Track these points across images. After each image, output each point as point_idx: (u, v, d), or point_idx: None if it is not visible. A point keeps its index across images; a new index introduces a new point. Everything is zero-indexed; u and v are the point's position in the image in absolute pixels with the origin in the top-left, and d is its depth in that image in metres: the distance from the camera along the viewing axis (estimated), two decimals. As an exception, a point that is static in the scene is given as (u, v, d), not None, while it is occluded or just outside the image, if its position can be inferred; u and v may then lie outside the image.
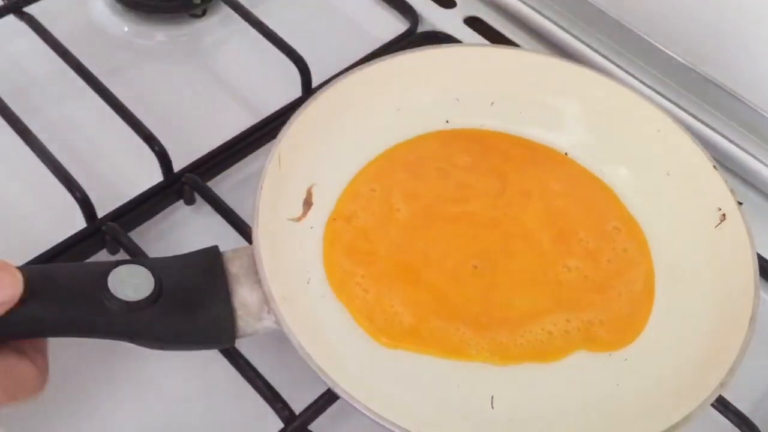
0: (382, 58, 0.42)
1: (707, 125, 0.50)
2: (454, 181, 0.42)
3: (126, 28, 0.51)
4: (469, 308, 0.38)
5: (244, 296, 0.34)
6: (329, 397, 0.36)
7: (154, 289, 0.32)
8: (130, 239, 0.39)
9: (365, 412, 0.31)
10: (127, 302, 0.32)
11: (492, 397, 0.36)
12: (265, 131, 0.45)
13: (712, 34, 0.49)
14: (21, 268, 0.31)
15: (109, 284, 0.32)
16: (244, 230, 0.40)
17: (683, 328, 0.38)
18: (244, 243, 0.40)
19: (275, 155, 0.37)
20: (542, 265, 0.40)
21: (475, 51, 0.46)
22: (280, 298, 0.33)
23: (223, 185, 0.44)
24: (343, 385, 0.32)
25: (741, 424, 0.37)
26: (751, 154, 0.49)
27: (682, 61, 0.50)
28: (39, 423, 0.36)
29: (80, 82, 0.44)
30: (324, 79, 0.46)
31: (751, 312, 0.36)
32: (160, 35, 0.51)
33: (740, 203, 0.40)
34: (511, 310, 0.38)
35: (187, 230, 0.42)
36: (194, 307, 0.33)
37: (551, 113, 0.44)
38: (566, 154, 0.44)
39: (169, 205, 0.43)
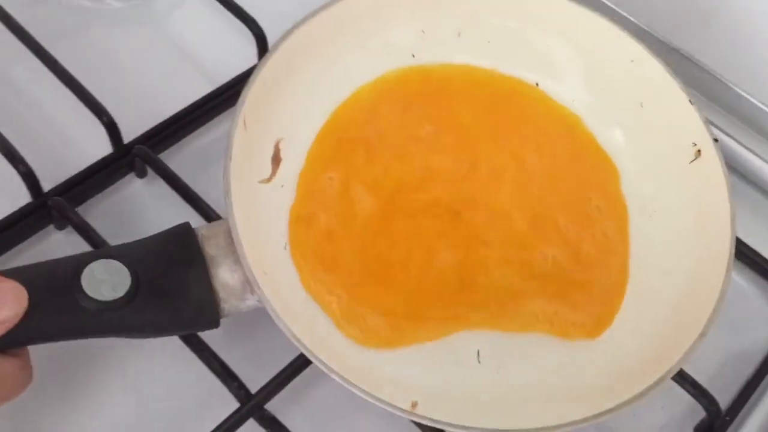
0: None
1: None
2: (417, 163, 0.40)
3: (74, -9, 0.49)
4: (444, 307, 0.37)
5: (224, 278, 0.32)
6: (286, 377, 0.35)
7: (131, 284, 0.31)
8: (77, 214, 0.38)
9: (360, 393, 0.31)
10: (104, 302, 0.30)
11: (478, 351, 0.36)
12: (219, 100, 0.44)
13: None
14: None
15: (84, 285, 0.30)
16: (198, 204, 0.39)
17: (657, 296, 0.38)
18: (198, 218, 0.39)
19: (240, 117, 0.35)
20: (519, 255, 0.38)
21: None
22: (261, 274, 0.32)
23: (177, 157, 0.42)
24: (332, 365, 0.31)
25: (699, 395, 0.37)
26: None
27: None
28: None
29: (23, 49, 0.42)
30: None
31: (727, 261, 0.36)
32: (109, -2, 0.49)
33: (716, 140, 0.39)
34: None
35: (139, 204, 0.41)
36: (174, 297, 0.31)
37: (520, 43, 0.43)
38: (537, 84, 0.43)
39: (120, 178, 0.41)
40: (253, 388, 0.34)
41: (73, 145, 0.42)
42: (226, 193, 0.33)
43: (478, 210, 0.39)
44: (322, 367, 0.31)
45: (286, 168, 0.38)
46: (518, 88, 0.43)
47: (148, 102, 0.44)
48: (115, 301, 0.30)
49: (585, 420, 0.32)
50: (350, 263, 0.37)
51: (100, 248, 0.34)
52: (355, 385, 0.31)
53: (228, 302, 0.32)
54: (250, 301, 0.33)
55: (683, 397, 0.38)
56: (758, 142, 0.49)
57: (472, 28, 0.42)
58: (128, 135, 0.41)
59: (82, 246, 0.37)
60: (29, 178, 0.38)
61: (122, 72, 0.46)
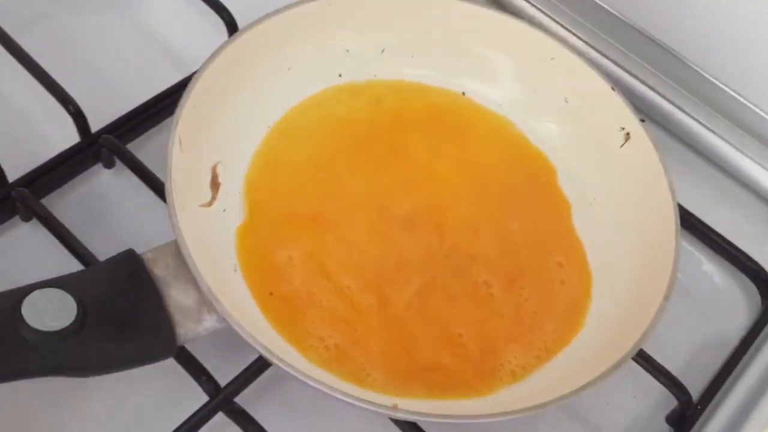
0: (260, 19, 0.39)
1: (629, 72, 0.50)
2: (391, 256, 0.38)
3: (41, -24, 0.48)
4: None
5: (178, 299, 0.31)
6: (256, 369, 0.35)
7: (78, 312, 0.29)
8: (42, 206, 0.37)
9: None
10: (50, 333, 0.28)
11: None
12: (190, 89, 0.43)
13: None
14: None
15: (25, 316, 0.28)
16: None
17: (611, 285, 0.38)
18: (165, 207, 0.38)
19: (175, 138, 0.34)
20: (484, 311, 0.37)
21: None
22: (220, 293, 0.31)
23: (145, 147, 0.42)
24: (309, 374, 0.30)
25: (670, 385, 0.38)
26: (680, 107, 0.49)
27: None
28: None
29: (-13, 36, 0.41)
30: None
31: (674, 245, 0.36)
32: (78, -17, 0.48)
33: (642, 120, 0.41)
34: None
35: (106, 195, 0.40)
36: (126, 324, 0.30)
37: (444, 54, 0.43)
38: (463, 93, 0.43)
39: (87, 168, 0.40)
40: (223, 381, 0.34)
41: (39, 134, 0.41)
42: (171, 212, 0.32)
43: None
44: (299, 376, 0.30)
45: (227, 193, 0.37)
46: (446, 98, 0.43)
47: (116, 91, 0.43)
48: (61, 331, 0.28)
49: (561, 398, 0.32)
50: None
51: (38, 281, 0.31)
52: (340, 391, 0.30)
53: (184, 326, 0.31)
54: (208, 323, 0.32)
55: (655, 387, 0.38)
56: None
57: (394, 45, 0.43)
58: (96, 124, 0.40)
59: (47, 239, 0.37)
60: (-7, 169, 0.37)
61: (90, 60, 0.45)
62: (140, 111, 0.41)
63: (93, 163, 0.40)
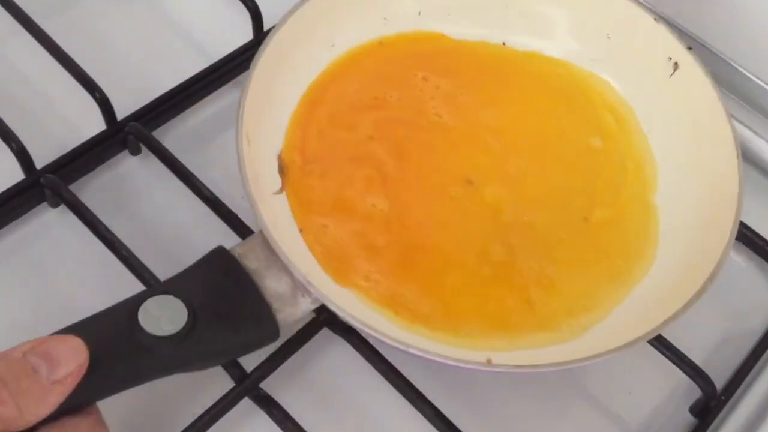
0: (296, 5, 0.39)
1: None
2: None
3: (66, -35, 0.48)
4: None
5: (273, 288, 0.32)
6: (281, 355, 0.35)
7: (189, 315, 0.30)
8: (70, 192, 0.37)
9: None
10: (167, 337, 0.30)
11: None
12: (214, 76, 0.43)
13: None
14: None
15: (142, 324, 0.29)
16: (192, 182, 0.38)
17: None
18: (191, 195, 0.38)
19: (242, 136, 0.34)
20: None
21: None
22: (312, 277, 0.32)
23: (171, 134, 0.42)
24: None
25: (695, 375, 0.37)
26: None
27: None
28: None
29: (15, 24, 0.41)
30: (277, 21, 0.45)
31: (736, 159, 0.37)
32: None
33: (690, 48, 0.40)
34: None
35: (132, 182, 0.41)
36: (231, 319, 0.31)
37: (476, 7, 0.43)
38: (504, 43, 0.44)
39: (113, 155, 0.41)
40: (249, 367, 0.34)
41: (66, 122, 0.41)
42: (254, 207, 0.33)
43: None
44: (400, 347, 0.31)
45: (293, 175, 0.38)
46: (491, 54, 0.44)
47: (141, 78, 0.44)
48: (177, 334, 0.30)
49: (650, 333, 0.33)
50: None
51: (148, 288, 0.33)
52: (438, 354, 0.31)
53: (283, 311, 0.32)
54: (304, 305, 0.33)
55: (678, 377, 0.38)
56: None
57: (430, 6, 0.43)
58: (122, 112, 0.40)
59: (75, 224, 0.37)
60: (22, 155, 0.37)
61: (116, 48, 0.45)
62: (166, 99, 0.42)
63: (119, 150, 0.41)
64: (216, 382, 0.34)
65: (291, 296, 0.33)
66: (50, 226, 0.39)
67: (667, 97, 0.41)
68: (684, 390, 0.39)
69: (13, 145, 0.37)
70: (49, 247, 0.38)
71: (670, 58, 0.41)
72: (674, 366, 0.37)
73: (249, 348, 0.33)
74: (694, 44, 0.47)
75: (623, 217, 0.39)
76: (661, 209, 0.40)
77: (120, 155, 0.41)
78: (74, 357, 0.27)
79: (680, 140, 0.40)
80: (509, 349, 0.35)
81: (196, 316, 0.30)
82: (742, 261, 0.44)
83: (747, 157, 0.47)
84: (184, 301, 0.31)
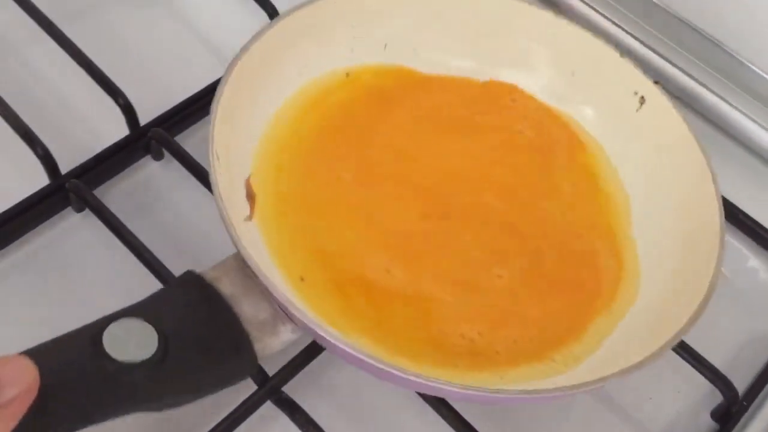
0: (273, 22, 0.38)
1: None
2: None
3: (89, -28, 0.49)
4: None
5: (252, 315, 0.30)
6: (303, 359, 0.35)
7: (159, 339, 0.27)
8: (95, 197, 0.38)
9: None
10: (135, 364, 0.27)
11: None
12: (235, 82, 0.44)
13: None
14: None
15: (108, 349, 0.27)
16: (214, 187, 0.39)
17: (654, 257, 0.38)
18: (214, 200, 0.39)
19: (212, 156, 0.33)
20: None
21: None
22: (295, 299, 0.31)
23: (193, 139, 0.42)
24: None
25: (715, 380, 0.37)
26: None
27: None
28: None
29: (39, 30, 0.42)
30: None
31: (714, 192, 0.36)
32: (125, -22, 0.49)
33: (657, 82, 0.40)
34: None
35: (155, 187, 0.41)
36: (207, 346, 0.29)
37: (443, 37, 0.42)
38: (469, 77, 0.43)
39: (136, 160, 0.41)
40: (271, 370, 0.34)
41: (89, 127, 0.42)
42: (229, 228, 0.30)
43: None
44: (401, 374, 0.30)
45: (262, 203, 0.36)
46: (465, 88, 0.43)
47: (163, 84, 0.44)
48: (147, 361, 0.27)
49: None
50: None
51: (114, 312, 0.30)
52: (439, 381, 0.30)
53: (261, 341, 0.30)
54: (284, 335, 0.31)
55: (700, 382, 0.38)
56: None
57: (396, 39, 0.42)
58: (144, 117, 0.41)
59: (99, 229, 0.38)
60: (47, 160, 0.38)
61: (138, 54, 0.45)
62: (187, 104, 0.42)
63: (142, 155, 0.41)
64: (238, 386, 0.34)
65: (271, 324, 0.31)
66: (74, 231, 0.39)
67: (635, 132, 0.41)
68: (705, 395, 0.39)
69: (39, 150, 0.38)
70: (73, 251, 0.39)
71: (636, 93, 0.40)
72: (695, 371, 0.37)
73: (224, 381, 0.30)
74: (688, 30, 0.47)
75: (600, 250, 0.39)
76: (639, 240, 0.39)
77: (143, 160, 0.41)
78: (21, 378, 0.24)
79: (651, 172, 0.40)
80: (503, 383, 0.34)
81: (167, 342, 0.28)
82: (762, 266, 0.44)
83: (755, 150, 0.47)
84: (154, 325, 0.28)
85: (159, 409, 0.29)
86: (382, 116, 0.41)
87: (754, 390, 0.38)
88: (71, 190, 0.38)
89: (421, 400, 0.35)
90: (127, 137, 0.40)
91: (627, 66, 0.41)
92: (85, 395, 0.27)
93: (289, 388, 0.35)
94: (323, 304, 0.34)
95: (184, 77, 0.44)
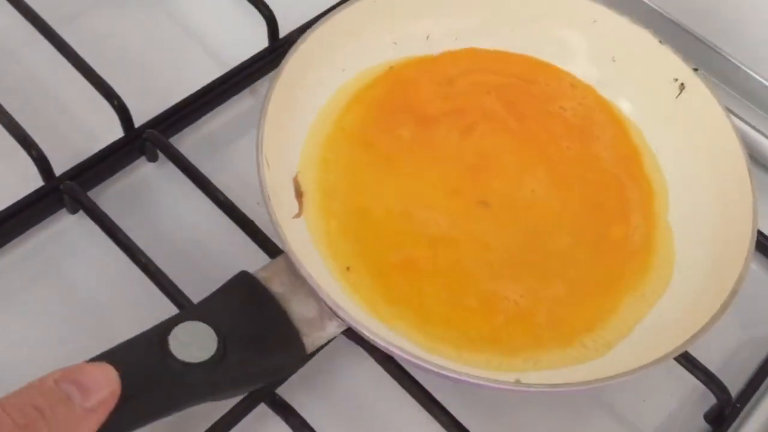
0: (313, 28, 0.39)
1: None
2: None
3: (84, -27, 0.49)
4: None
5: (300, 313, 0.32)
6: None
7: (219, 341, 0.30)
8: (89, 198, 0.38)
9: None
10: (198, 364, 0.29)
11: None
12: (230, 84, 0.44)
13: None
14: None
15: (173, 351, 0.29)
16: (208, 189, 0.39)
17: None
18: (208, 202, 0.39)
19: (262, 159, 0.34)
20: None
21: None
22: (340, 300, 0.32)
23: (187, 141, 0.42)
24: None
25: (709, 382, 0.37)
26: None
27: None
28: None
29: (34, 32, 0.41)
30: (292, 28, 0.45)
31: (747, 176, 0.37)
32: (120, -20, 0.49)
33: (696, 69, 0.41)
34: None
35: (150, 188, 0.41)
36: (260, 344, 0.31)
37: (485, 30, 0.43)
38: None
39: (131, 162, 0.41)
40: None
41: (84, 129, 0.42)
42: (279, 231, 0.32)
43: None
44: (432, 368, 0.31)
45: (309, 199, 0.38)
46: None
47: (158, 85, 0.44)
48: (208, 361, 0.30)
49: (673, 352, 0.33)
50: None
51: (176, 314, 0.32)
52: (469, 375, 0.32)
53: (310, 336, 0.32)
54: (330, 329, 0.33)
55: (693, 384, 0.38)
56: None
57: (438, 30, 0.43)
58: (139, 119, 0.41)
59: (93, 230, 0.38)
60: (41, 162, 0.38)
61: (132, 55, 0.45)
62: (182, 106, 0.42)
63: (137, 157, 0.41)
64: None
65: (318, 320, 0.33)
66: (69, 232, 0.39)
67: (675, 118, 0.41)
68: (698, 397, 0.39)
69: (33, 152, 0.38)
70: (67, 252, 0.39)
71: (676, 79, 0.41)
72: (687, 373, 0.37)
73: (277, 374, 0.33)
74: (707, 51, 0.48)
75: (638, 236, 0.39)
76: (675, 227, 0.40)
77: (137, 162, 0.41)
78: (106, 384, 0.27)
79: (689, 159, 0.41)
80: (536, 368, 0.35)
81: (226, 342, 0.30)
82: (757, 268, 0.44)
83: (764, 165, 0.47)
84: (213, 327, 0.30)
85: (217, 399, 0.31)
86: (427, 105, 0.42)
87: (747, 392, 0.38)
88: (65, 191, 0.38)
89: (418, 405, 0.35)
90: (121, 139, 0.40)
91: (666, 52, 0.41)
92: (155, 394, 0.29)
93: (284, 391, 0.35)
94: (367, 292, 0.36)
95: (179, 79, 0.44)
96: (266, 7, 0.44)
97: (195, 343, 0.30)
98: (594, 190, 0.41)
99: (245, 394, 0.34)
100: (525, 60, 0.44)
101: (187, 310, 0.33)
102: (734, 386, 0.38)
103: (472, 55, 0.44)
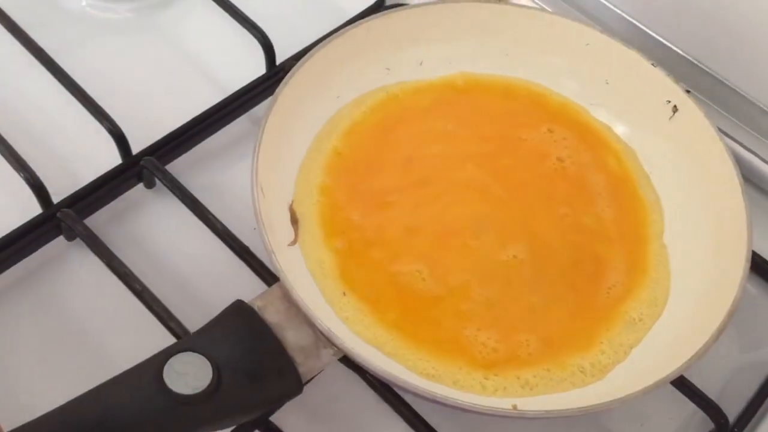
0: (309, 55, 0.40)
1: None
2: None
3: (83, 1, 0.49)
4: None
5: (295, 341, 0.32)
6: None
7: (213, 371, 0.30)
8: (86, 226, 0.38)
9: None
10: (193, 395, 0.30)
11: None
12: (228, 110, 0.44)
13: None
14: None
15: (168, 383, 0.30)
16: (205, 216, 0.39)
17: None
18: (205, 229, 0.39)
19: (256, 186, 0.35)
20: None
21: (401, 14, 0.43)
22: (335, 328, 0.33)
23: (186, 167, 0.42)
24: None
25: (706, 407, 0.37)
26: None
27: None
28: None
29: (32, 60, 0.42)
30: (289, 55, 0.45)
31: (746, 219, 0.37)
32: (119, 8, 0.49)
33: (688, 91, 0.41)
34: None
35: (147, 215, 0.41)
36: (255, 374, 0.31)
37: (481, 54, 0.44)
38: None
39: (129, 189, 0.41)
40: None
41: (82, 156, 0.42)
42: (273, 259, 0.33)
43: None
44: (429, 396, 0.32)
45: (304, 227, 0.38)
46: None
47: (156, 112, 0.44)
48: (203, 392, 0.30)
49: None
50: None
51: (171, 345, 0.32)
52: (465, 403, 0.32)
53: (305, 365, 0.32)
54: (326, 357, 0.33)
55: (692, 408, 0.38)
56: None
57: (431, 57, 0.44)
58: (137, 146, 0.41)
59: (90, 258, 0.38)
60: (39, 189, 0.38)
61: (131, 82, 0.46)
62: (180, 132, 0.42)
63: (134, 184, 0.41)
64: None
65: (314, 348, 0.33)
66: (66, 259, 0.39)
67: (669, 139, 0.42)
68: (698, 421, 0.39)
69: (31, 179, 0.38)
70: (64, 279, 0.39)
71: (669, 101, 0.41)
72: (685, 397, 0.37)
73: (273, 403, 0.33)
74: (700, 72, 0.48)
75: (633, 256, 0.40)
76: (670, 249, 0.40)
77: (135, 189, 0.41)
78: None
79: (683, 180, 0.41)
80: (533, 394, 0.35)
81: (220, 372, 0.30)
82: (754, 290, 0.44)
83: (758, 185, 0.47)
84: (208, 357, 0.31)
85: (212, 430, 0.31)
86: (422, 131, 0.42)
87: (744, 418, 0.38)
88: (63, 219, 0.38)
89: (411, 429, 0.35)
90: (119, 166, 0.41)
91: (659, 75, 0.42)
92: (150, 426, 0.29)
93: (277, 417, 0.35)
94: (363, 317, 0.36)
95: (177, 105, 0.44)
96: (263, 34, 0.45)
97: (190, 374, 0.30)
98: (576, 251, 0.40)
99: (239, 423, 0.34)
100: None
101: (182, 341, 0.33)
102: (733, 410, 0.38)
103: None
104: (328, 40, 0.40)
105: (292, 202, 0.38)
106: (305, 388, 0.34)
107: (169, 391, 0.29)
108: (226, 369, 0.31)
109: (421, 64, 0.44)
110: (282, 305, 0.33)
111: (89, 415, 0.29)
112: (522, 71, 0.44)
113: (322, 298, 0.36)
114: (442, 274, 0.38)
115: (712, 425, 0.38)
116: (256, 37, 0.45)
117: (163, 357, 0.31)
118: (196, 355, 0.31)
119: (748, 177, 0.46)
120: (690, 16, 0.47)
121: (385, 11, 0.43)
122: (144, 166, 0.41)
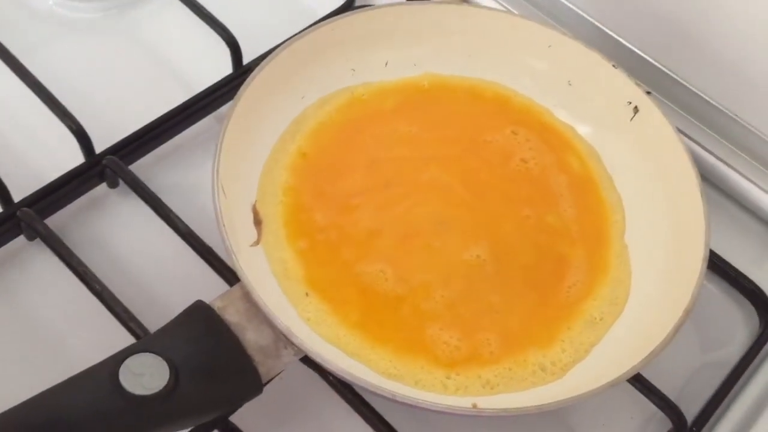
0: (272, 55, 0.40)
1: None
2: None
3: (50, 0, 0.49)
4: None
5: (255, 341, 0.32)
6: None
7: (170, 372, 0.30)
8: (45, 226, 0.38)
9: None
10: (149, 396, 0.29)
11: None
12: (194, 110, 0.44)
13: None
14: None
15: (124, 384, 0.29)
16: (168, 216, 0.39)
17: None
18: (168, 229, 0.39)
19: (218, 187, 0.35)
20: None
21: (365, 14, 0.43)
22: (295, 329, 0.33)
23: (149, 167, 0.42)
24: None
25: (665, 407, 0.38)
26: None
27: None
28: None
29: (-5, 58, 0.42)
30: (257, 55, 0.45)
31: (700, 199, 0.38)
32: (86, 7, 0.49)
33: (649, 92, 0.42)
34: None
35: (110, 215, 0.41)
36: (213, 374, 0.31)
37: (444, 54, 0.44)
38: None
39: (91, 188, 0.41)
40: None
41: (44, 155, 0.42)
42: (233, 260, 0.33)
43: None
44: (388, 396, 0.32)
45: (269, 227, 0.38)
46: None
47: (122, 111, 0.44)
48: (159, 392, 0.30)
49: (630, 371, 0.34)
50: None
51: (129, 346, 0.32)
52: (424, 402, 0.32)
53: (265, 365, 0.32)
54: (286, 357, 0.33)
55: (652, 409, 0.38)
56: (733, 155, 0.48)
57: (396, 58, 0.44)
58: (100, 145, 0.41)
59: (50, 258, 0.37)
60: (0, 188, 0.38)
61: (96, 82, 0.46)
62: (144, 132, 0.42)
63: (97, 183, 0.41)
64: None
65: (273, 348, 0.33)
66: (26, 259, 0.39)
67: (629, 140, 0.42)
68: (657, 421, 0.39)
69: (-9, 178, 0.38)
70: (24, 279, 0.38)
71: (630, 102, 0.42)
72: (644, 396, 0.38)
73: (232, 404, 0.33)
74: (660, 74, 0.48)
75: (594, 256, 0.40)
76: (631, 248, 0.40)
77: (98, 188, 0.41)
78: None
79: (644, 180, 0.42)
80: (493, 392, 0.36)
81: (178, 373, 0.30)
82: (714, 291, 0.44)
83: (717, 186, 0.48)
84: (165, 358, 0.30)
85: (172, 429, 0.31)
86: (387, 133, 0.42)
87: (702, 417, 0.38)
88: (23, 218, 0.38)
89: (371, 429, 0.36)
90: (81, 165, 0.40)
91: (620, 76, 0.42)
92: (104, 426, 0.29)
93: (237, 417, 0.34)
94: (325, 317, 0.36)
95: (143, 105, 0.44)
96: (229, 33, 0.45)
97: (146, 375, 0.30)
98: (538, 251, 0.40)
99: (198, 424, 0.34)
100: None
101: (139, 342, 0.33)
102: (692, 410, 0.38)
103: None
104: (292, 39, 0.40)
105: (256, 202, 0.38)
106: (265, 388, 0.34)
107: (125, 392, 0.29)
108: (184, 369, 0.31)
109: (386, 64, 0.44)
110: (242, 305, 0.33)
111: (43, 415, 0.29)
112: (486, 72, 0.45)
113: (285, 298, 0.36)
114: (405, 274, 0.38)
115: (671, 425, 0.38)
116: (222, 36, 0.45)
117: (119, 357, 0.30)
118: (152, 355, 0.30)
119: (707, 177, 0.47)
120: (650, 19, 0.47)
121: (350, 11, 0.43)
122: (107, 166, 0.40)
